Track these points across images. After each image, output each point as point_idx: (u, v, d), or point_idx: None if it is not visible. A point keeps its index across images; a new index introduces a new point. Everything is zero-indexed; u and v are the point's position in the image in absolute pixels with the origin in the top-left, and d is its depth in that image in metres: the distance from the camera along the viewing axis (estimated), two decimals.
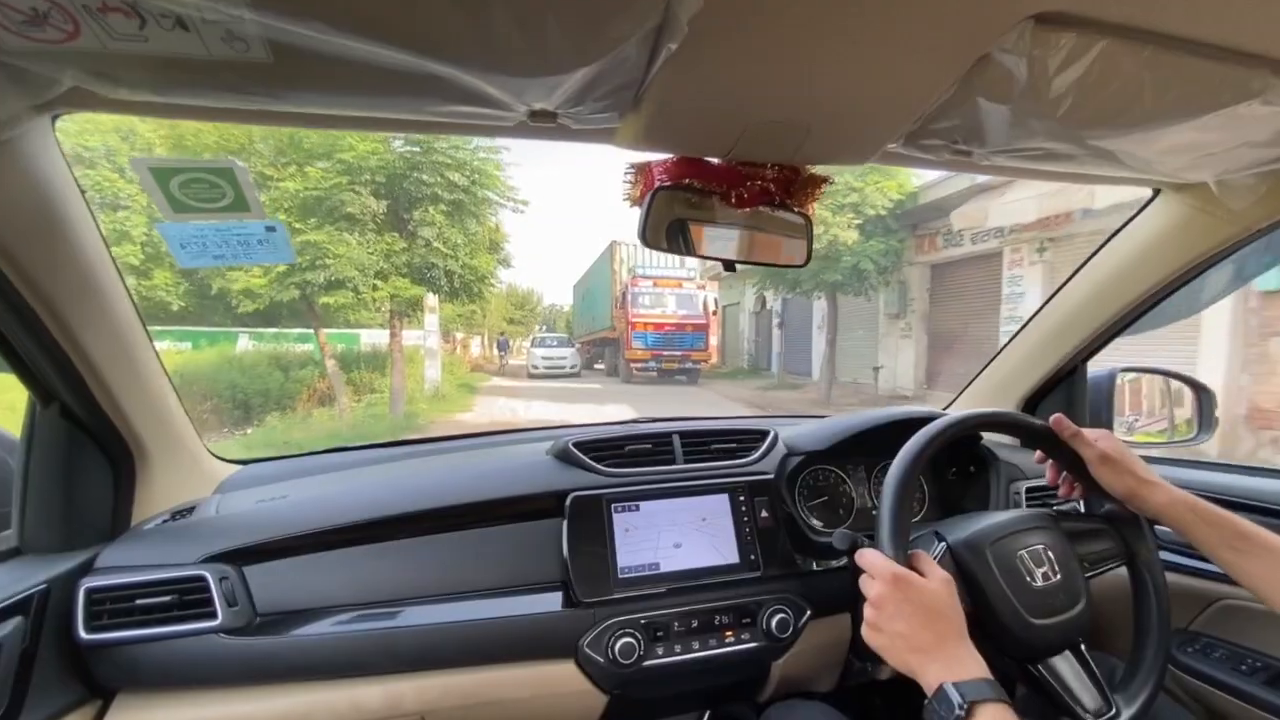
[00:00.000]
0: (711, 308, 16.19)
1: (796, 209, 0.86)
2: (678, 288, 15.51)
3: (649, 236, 0.80)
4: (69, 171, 0.70)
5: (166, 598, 0.82)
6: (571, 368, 17.62)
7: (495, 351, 26.59)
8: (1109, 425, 1.36)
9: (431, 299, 10.09)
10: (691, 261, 17.94)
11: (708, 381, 15.62)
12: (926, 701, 0.63)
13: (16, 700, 0.72)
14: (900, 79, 0.62)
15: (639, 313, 14.95)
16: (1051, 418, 0.86)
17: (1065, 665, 0.75)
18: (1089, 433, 0.84)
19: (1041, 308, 1.27)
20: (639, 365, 14.88)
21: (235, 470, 1.17)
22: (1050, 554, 0.79)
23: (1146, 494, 0.79)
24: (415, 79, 0.54)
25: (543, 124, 0.65)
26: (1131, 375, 1.45)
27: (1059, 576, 0.77)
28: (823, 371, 11.90)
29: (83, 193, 0.72)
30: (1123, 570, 0.84)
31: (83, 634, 0.79)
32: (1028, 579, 0.76)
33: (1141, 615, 0.82)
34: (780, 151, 0.77)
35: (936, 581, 0.69)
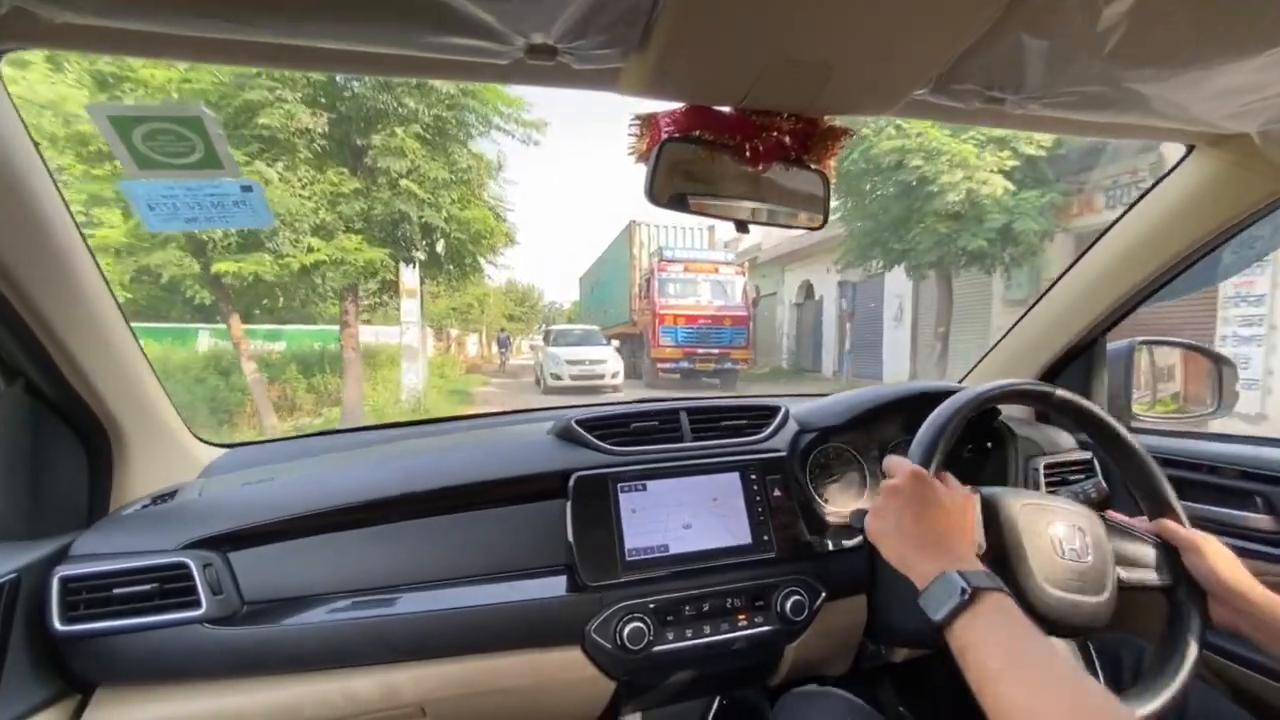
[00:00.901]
0: (752, 295, 13.52)
1: (814, 166, 0.80)
2: (713, 273, 12.83)
3: (656, 194, 0.74)
4: (19, 119, 0.64)
5: (146, 586, 0.77)
6: (614, 376, 12.07)
7: (495, 349, 24.70)
8: (1127, 400, 1.31)
9: (409, 276, 7.32)
10: (727, 240, 15.60)
11: (744, 385, 12.98)
12: (923, 590, 0.60)
13: None
14: (936, 9, 0.56)
15: (667, 303, 12.30)
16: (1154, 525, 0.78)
17: (1066, 650, 0.71)
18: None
19: (1063, 275, 1.22)
20: (667, 366, 12.21)
21: (220, 454, 1.12)
22: (1087, 540, 0.74)
23: (1251, 593, 0.70)
24: (401, 4, 0.48)
25: (541, 61, 0.59)
26: (1149, 347, 1.41)
27: (1089, 561, 0.72)
28: (920, 375, 10.16)
29: (36, 146, 0.66)
30: None
31: (58, 625, 0.74)
32: (1053, 550, 0.71)
33: (1173, 640, 0.74)
34: (798, 99, 0.71)
35: (958, 495, 0.67)
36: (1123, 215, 1.11)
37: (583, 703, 0.95)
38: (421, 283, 8.30)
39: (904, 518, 0.65)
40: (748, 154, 0.75)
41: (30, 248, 0.71)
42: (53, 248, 0.74)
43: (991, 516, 0.73)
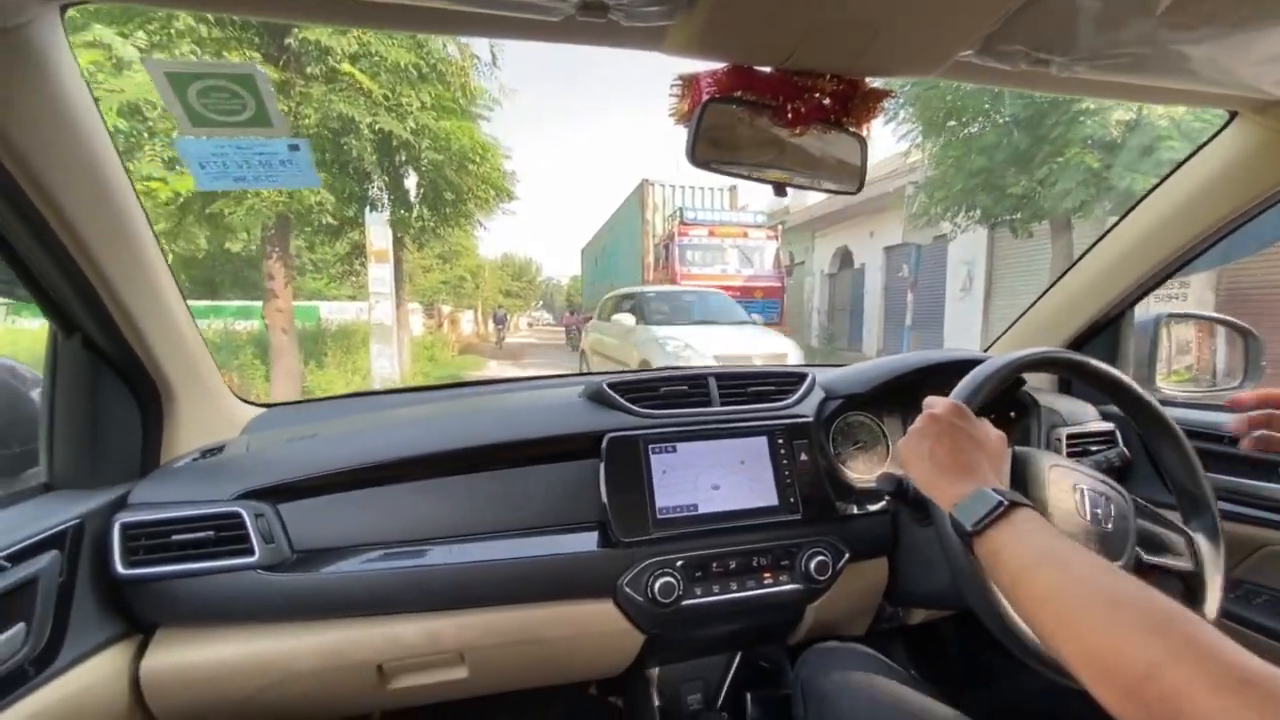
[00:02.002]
0: (785, 263, 11.64)
1: (853, 129, 0.80)
2: (741, 238, 11.25)
3: (697, 154, 0.74)
4: (80, 73, 0.65)
5: (203, 534, 0.81)
6: None
7: (492, 326, 23.30)
8: (1152, 373, 1.31)
9: (378, 233, 5.57)
10: (753, 203, 13.76)
11: None
12: (954, 505, 0.60)
13: (57, 633, 0.72)
14: None
15: (689, 272, 10.74)
16: None
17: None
18: None
19: (1096, 243, 1.21)
20: None
21: (260, 412, 1.16)
22: (1111, 509, 0.75)
23: None
24: None
25: (592, 18, 0.59)
26: (1177, 321, 1.41)
27: (1109, 528, 0.74)
28: None
29: (96, 101, 0.67)
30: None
31: (120, 569, 0.78)
32: (1075, 509, 0.73)
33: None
34: (842, 59, 0.71)
35: (994, 434, 0.68)
36: (1159, 184, 1.10)
37: (613, 653, 0.99)
38: (398, 242, 6.33)
39: (939, 446, 0.66)
40: (788, 115, 0.75)
41: (95, 208, 0.72)
42: (114, 209, 0.75)
43: (1020, 470, 0.75)
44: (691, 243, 10.96)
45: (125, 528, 0.79)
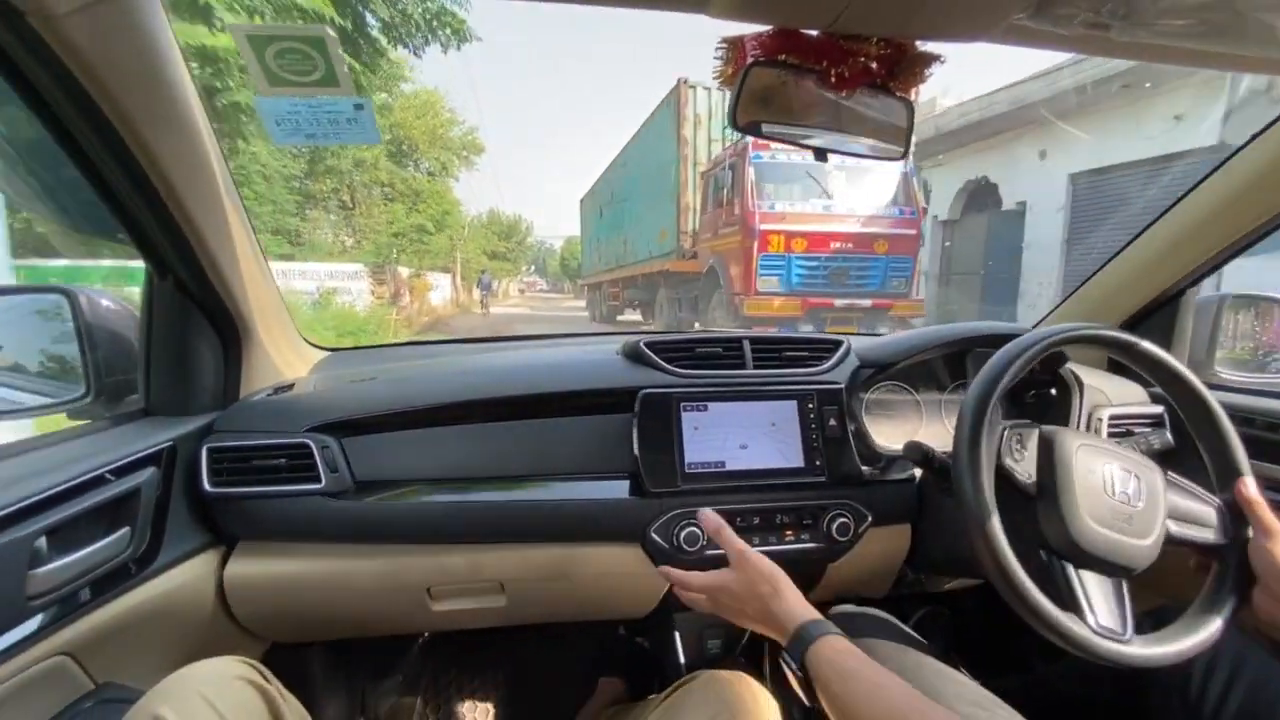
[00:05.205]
0: (921, 199, 7.57)
1: (899, 93, 0.79)
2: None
3: (740, 117, 0.76)
4: (175, 39, 0.71)
5: (277, 460, 0.90)
6: None
7: (476, 293, 19.78)
8: (1210, 358, 1.26)
9: None
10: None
11: None
12: (787, 644, 0.69)
13: (155, 538, 0.82)
14: None
15: (772, 213, 6.90)
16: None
17: (1096, 582, 0.72)
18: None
19: (1162, 215, 1.15)
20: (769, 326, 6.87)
21: (324, 355, 1.25)
22: (1141, 485, 0.75)
23: None
24: None
25: None
26: (1242, 302, 1.34)
27: (1139, 506, 0.74)
28: None
29: (187, 62, 0.73)
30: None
31: (207, 486, 0.88)
32: (1103, 489, 0.73)
33: (1215, 594, 0.74)
34: (892, 21, 0.71)
35: (744, 578, 0.75)
36: (1231, 155, 1.04)
37: (640, 595, 1.06)
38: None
39: (731, 614, 0.77)
40: (833, 79, 0.75)
41: (188, 160, 0.79)
42: (205, 168, 0.82)
43: (1047, 451, 0.75)
44: (775, 161, 6.92)
45: (211, 451, 0.89)
